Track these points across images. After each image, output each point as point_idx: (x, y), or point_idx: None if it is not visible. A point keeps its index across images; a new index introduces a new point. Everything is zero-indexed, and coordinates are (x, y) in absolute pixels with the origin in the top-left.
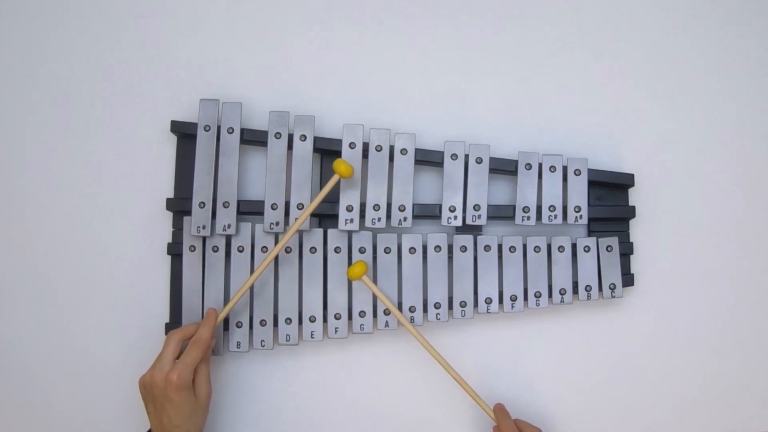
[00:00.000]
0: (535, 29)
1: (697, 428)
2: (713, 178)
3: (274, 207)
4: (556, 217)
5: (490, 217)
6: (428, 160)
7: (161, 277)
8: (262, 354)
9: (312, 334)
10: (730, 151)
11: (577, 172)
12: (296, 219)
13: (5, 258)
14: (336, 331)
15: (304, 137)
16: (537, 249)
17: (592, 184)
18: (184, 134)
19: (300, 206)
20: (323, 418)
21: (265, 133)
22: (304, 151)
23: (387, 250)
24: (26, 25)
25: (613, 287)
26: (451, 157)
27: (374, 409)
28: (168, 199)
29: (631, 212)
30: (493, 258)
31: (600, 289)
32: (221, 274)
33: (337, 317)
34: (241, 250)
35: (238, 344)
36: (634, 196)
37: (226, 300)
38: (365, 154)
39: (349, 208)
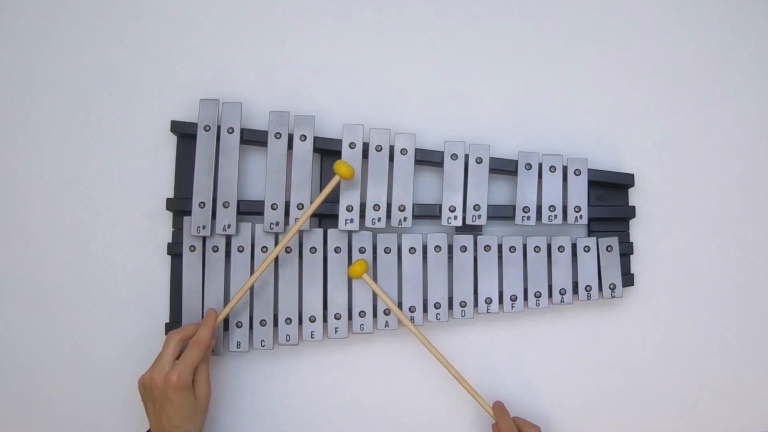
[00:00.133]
0: (535, 29)
1: (697, 428)
2: (713, 178)
3: (274, 207)
4: (556, 217)
5: (490, 217)
6: (428, 160)
7: (161, 277)
8: (262, 354)
9: (312, 334)
10: (730, 151)
11: (577, 172)
12: (296, 219)
13: (5, 258)
14: (336, 331)
15: (304, 137)
16: (537, 249)
17: (592, 184)
18: (184, 134)
19: (300, 206)
20: (323, 418)
21: (265, 133)
22: (304, 151)
23: (387, 250)
24: (26, 25)
25: (613, 287)
26: (451, 157)
27: (374, 409)
28: (168, 199)
29: (631, 212)
30: (493, 258)
31: (600, 289)
32: (221, 274)
33: (337, 317)
34: (241, 250)
35: (238, 344)
36: (634, 196)
37: (226, 300)
38: (365, 154)
39: (349, 208)
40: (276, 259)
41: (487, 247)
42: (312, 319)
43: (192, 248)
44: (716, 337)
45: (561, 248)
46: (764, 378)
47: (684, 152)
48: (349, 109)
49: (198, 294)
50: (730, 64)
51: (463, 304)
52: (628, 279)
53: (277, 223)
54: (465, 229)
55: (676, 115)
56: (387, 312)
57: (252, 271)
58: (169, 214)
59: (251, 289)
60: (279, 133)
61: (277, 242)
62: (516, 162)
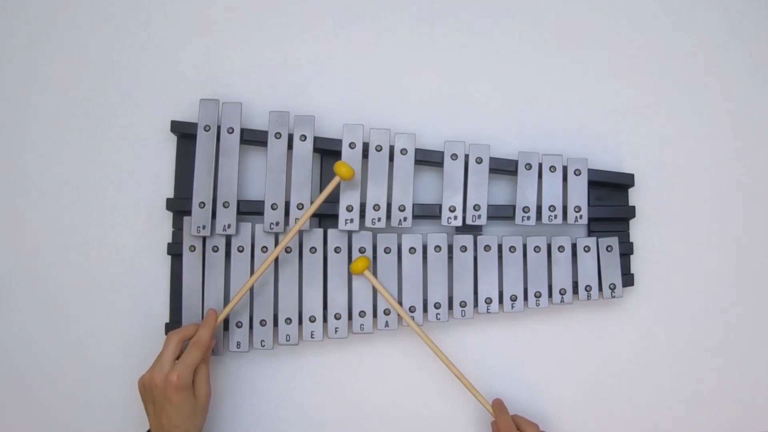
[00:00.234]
0: (535, 29)
1: (697, 428)
2: (713, 178)
3: (274, 207)
4: (556, 217)
5: (490, 217)
6: (428, 160)
7: (161, 277)
8: (262, 354)
9: (312, 334)
10: (730, 152)
11: (577, 172)
12: (296, 220)
13: (5, 258)
14: (336, 331)
15: (304, 137)
16: (537, 249)
17: (592, 184)
18: (184, 134)
19: (300, 206)
20: (323, 418)
21: (265, 133)
22: (304, 151)
23: (387, 250)
24: (26, 25)
25: (613, 287)
26: (451, 157)
27: (374, 409)
28: (168, 199)
29: (631, 212)
30: (493, 258)
31: (600, 289)
32: (221, 274)
33: (337, 317)
34: (241, 250)
35: (238, 344)
36: (634, 196)
37: (226, 300)
38: (365, 154)
39: (349, 208)
40: (276, 259)
41: (487, 247)
42: (312, 319)
43: (192, 248)
44: (716, 337)
45: (561, 248)
46: (764, 378)
47: (684, 152)
48: (349, 109)
49: (198, 294)
50: (730, 65)
51: (463, 304)
52: (628, 279)
53: (277, 223)
54: (465, 229)
55: (676, 115)
56: (387, 312)
57: (252, 272)
58: (169, 214)
59: (251, 289)
60: (279, 133)
61: (277, 242)
62: (516, 162)
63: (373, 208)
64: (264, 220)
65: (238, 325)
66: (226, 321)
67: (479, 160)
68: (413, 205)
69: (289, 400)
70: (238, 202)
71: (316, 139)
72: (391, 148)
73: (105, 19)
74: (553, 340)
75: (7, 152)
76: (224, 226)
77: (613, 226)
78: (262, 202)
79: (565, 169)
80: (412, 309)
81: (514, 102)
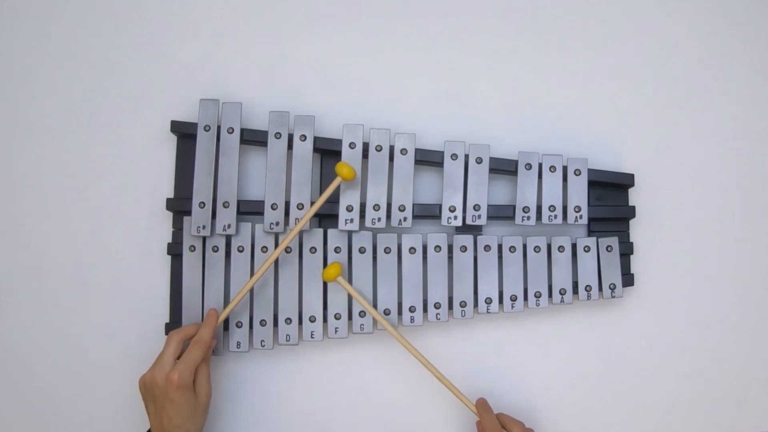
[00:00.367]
0: (535, 29)
1: (697, 428)
2: (713, 178)
3: (274, 207)
4: (556, 217)
5: (490, 217)
6: (428, 160)
7: (161, 277)
8: (262, 354)
9: (312, 334)
10: (730, 152)
11: (577, 172)
12: (297, 220)
13: (5, 258)
14: (336, 331)
15: (304, 137)
16: (537, 249)
17: (592, 184)
18: (184, 134)
19: (300, 206)
20: (323, 417)
21: (265, 133)
22: (304, 151)
23: (387, 250)
24: (26, 25)
25: (613, 287)
26: (451, 157)
27: (374, 409)
28: (168, 199)
29: (631, 212)
30: (493, 258)
31: (600, 289)
32: (221, 274)
33: (337, 317)
34: (241, 250)
35: (238, 344)
36: (634, 196)
37: (226, 300)
38: (365, 154)
39: (349, 208)
40: (276, 259)
41: (487, 247)
42: (312, 319)
43: (192, 248)
44: (716, 336)
45: (561, 248)
46: (764, 378)
47: (684, 152)
48: (349, 109)
49: (198, 294)
50: (730, 65)
51: (463, 304)
52: (628, 279)
53: (277, 223)
54: (465, 229)
55: (676, 116)
56: (387, 312)
57: (252, 272)
58: (169, 214)
59: (251, 289)
60: (279, 133)
61: (277, 242)
62: (516, 162)
63: (373, 208)
64: (264, 220)
65: (238, 325)
66: (226, 321)
67: (479, 160)
68: (413, 205)
69: (289, 400)
70: (238, 202)
71: (316, 139)
72: (391, 148)
73: (105, 19)
74: (552, 340)
75: (8, 152)
76: (224, 226)
77: (613, 226)
78: (262, 202)
79: (565, 169)
80: (412, 309)
81: (514, 102)
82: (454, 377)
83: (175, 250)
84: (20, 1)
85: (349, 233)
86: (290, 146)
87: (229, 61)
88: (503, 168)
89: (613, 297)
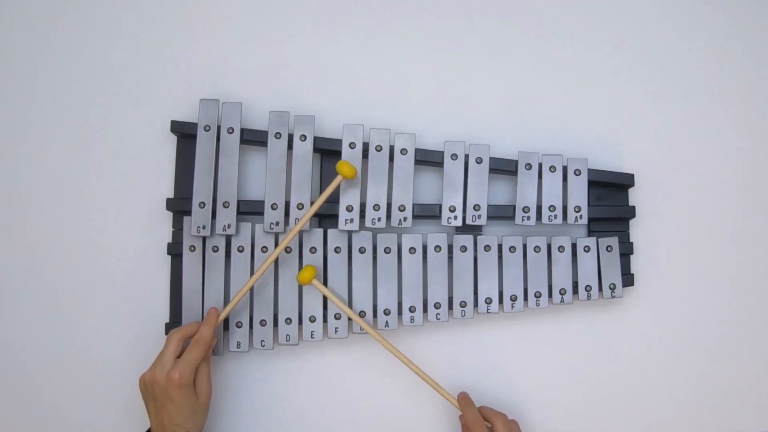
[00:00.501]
0: (535, 29)
1: (697, 428)
2: (713, 178)
3: (274, 207)
4: (556, 217)
5: (490, 217)
6: (428, 160)
7: (161, 277)
8: (262, 354)
9: (312, 334)
10: (730, 152)
11: (577, 172)
12: (297, 220)
13: (5, 258)
14: (336, 331)
15: (304, 137)
16: (537, 249)
17: (592, 184)
18: (184, 134)
19: (300, 206)
20: (323, 418)
21: (265, 133)
22: (304, 151)
23: (387, 250)
24: (26, 25)
25: (613, 287)
26: (451, 157)
27: (374, 409)
28: (168, 199)
29: (631, 212)
30: (493, 258)
31: (600, 289)
32: (221, 274)
33: (337, 317)
34: (241, 250)
35: (238, 344)
36: (634, 196)
37: (226, 300)
38: (365, 154)
39: (349, 208)
40: (276, 259)
41: (487, 247)
42: (312, 319)
43: (192, 248)
44: (716, 337)
45: (561, 248)
46: (764, 378)
47: (684, 152)
48: (349, 109)
49: (198, 294)
50: (730, 64)
51: (463, 304)
52: (628, 279)
53: (277, 223)
54: (465, 229)
55: (676, 115)
56: (387, 312)
57: (252, 272)
58: (169, 214)
59: (251, 289)
60: (279, 133)
61: (277, 242)
62: (516, 162)
63: (373, 208)
64: (264, 220)
65: (238, 325)
66: (226, 321)
67: (479, 160)
68: (413, 205)
69: (289, 400)
70: (238, 202)
71: (316, 139)
72: (391, 148)
73: (105, 19)
74: (553, 340)
75: (7, 152)
76: (224, 226)
77: (613, 226)
78: (262, 202)
79: (565, 169)
80: (412, 309)
81: (514, 102)
82: (453, 377)
83: (175, 250)
84: (20, 1)
85: (349, 233)
86: (290, 146)
87: (229, 61)
88: (503, 168)
89: (613, 297)
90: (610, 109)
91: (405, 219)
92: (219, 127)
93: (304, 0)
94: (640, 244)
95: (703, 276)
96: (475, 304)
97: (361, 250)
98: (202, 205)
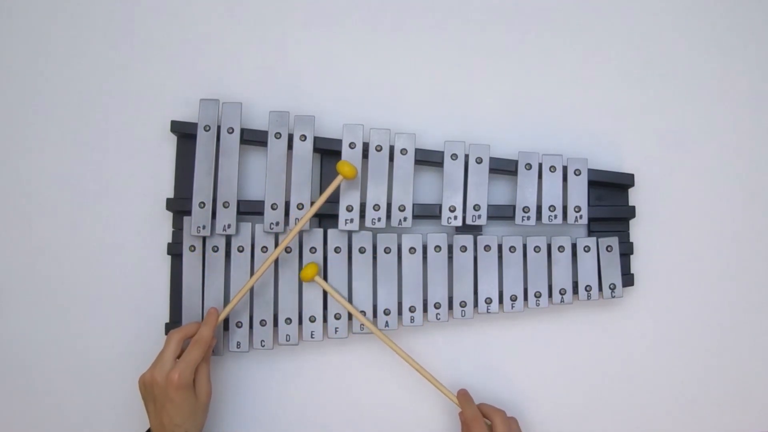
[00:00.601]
0: (535, 29)
1: (697, 428)
2: (713, 178)
3: (274, 207)
4: (556, 217)
5: (490, 217)
6: (428, 160)
7: (161, 277)
8: (262, 354)
9: (312, 334)
10: (731, 151)
11: (577, 172)
12: (297, 220)
13: (5, 258)
14: (336, 331)
15: (304, 137)
16: (537, 249)
17: (592, 184)
18: (184, 134)
19: (300, 206)
20: (323, 418)
21: (265, 133)
22: (304, 151)
23: (387, 250)
24: (26, 25)
25: (613, 287)
26: (451, 157)
27: (374, 409)
28: (168, 199)
29: (631, 212)
30: (493, 258)
31: (600, 289)
32: (221, 274)
33: (337, 317)
34: (241, 250)
35: (238, 344)
36: (634, 196)
37: (226, 300)
38: (365, 154)
39: (349, 208)
40: (276, 259)
41: (487, 247)
42: (312, 319)
43: (192, 248)
44: (716, 336)
45: (561, 248)
46: (764, 378)
47: (684, 152)
48: (349, 109)
49: (198, 294)
50: (730, 64)
51: (463, 304)
52: (628, 279)
53: (277, 223)
54: (465, 229)
55: (676, 115)
56: (387, 312)
57: (252, 272)
58: (169, 214)
59: (251, 289)
60: (279, 133)
61: (277, 242)
62: (516, 162)
63: (373, 208)
64: (264, 220)
65: (238, 325)
66: (226, 321)
67: (479, 160)
68: (413, 205)
69: (289, 399)
70: (238, 202)
71: (316, 139)
72: (391, 148)
73: (105, 19)
74: (553, 340)
75: (7, 152)
76: (224, 226)
77: (613, 226)
78: (262, 202)
79: (565, 169)
80: (412, 309)
81: (514, 102)
82: (453, 377)
83: (175, 250)
84: (20, 1)
85: (349, 233)
86: (290, 146)
87: (229, 61)
88: (503, 168)
89: (613, 297)
90: (610, 109)
91: (405, 219)
92: (219, 127)
93: (304, 0)
94: (640, 244)
95: (703, 276)
96: (475, 304)
97: (361, 250)
98: (202, 205)
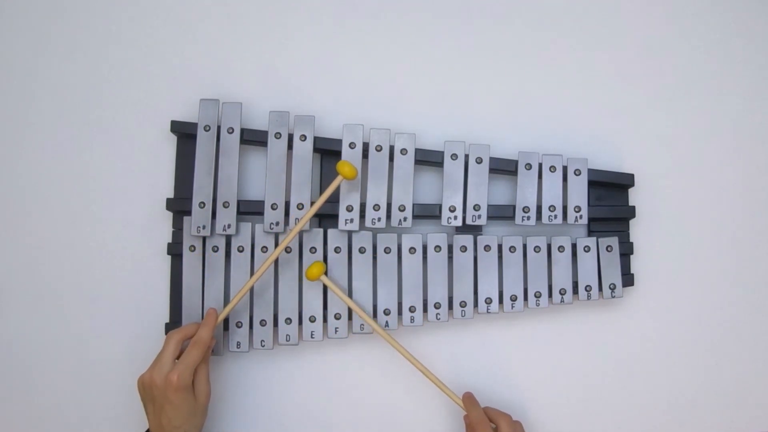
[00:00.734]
0: (535, 29)
1: (697, 428)
2: (713, 178)
3: (274, 207)
4: (556, 217)
5: (490, 217)
6: (428, 160)
7: (161, 277)
8: (262, 354)
9: (312, 334)
10: (730, 151)
11: (577, 172)
12: (297, 220)
13: (5, 258)
14: (336, 331)
15: (304, 137)
16: (537, 249)
17: (592, 184)
18: (184, 134)
19: (300, 206)
20: (323, 417)
21: (265, 133)
22: (304, 151)
23: (387, 250)
24: (26, 25)
25: (613, 287)
26: (451, 157)
27: (374, 409)
28: (168, 199)
29: (631, 212)
30: (493, 258)
31: (600, 289)
32: (221, 274)
33: (337, 317)
34: (241, 250)
35: (238, 344)
36: (634, 196)
37: (226, 300)
38: (365, 154)
39: (349, 208)
40: (276, 259)
41: (487, 247)
42: (312, 319)
43: (192, 248)
44: (716, 337)
45: (561, 248)
46: (764, 378)
47: (684, 152)
48: (349, 109)
49: (198, 294)
50: (730, 64)
51: (463, 304)
52: (628, 279)
53: (277, 223)
54: (465, 229)
55: (676, 115)
56: (387, 312)
57: (252, 272)
58: (169, 214)
59: (251, 289)
60: (279, 133)
61: (277, 242)
62: (516, 162)
63: (373, 208)
64: (264, 220)
65: (238, 325)
66: (226, 321)
67: (479, 160)
68: (413, 205)
69: (289, 400)
70: (238, 202)
71: (316, 139)
72: (391, 148)
73: (105, 19)
74: (552, 340)
75: (7, 152)
76: (224, 226)
77: (613, 226)
78: (262, 202)
79: (565, 169)
80: (412, 309)
81: (514, 102)
82: (453, 377)
83: (175, 250)
84: (20, 1)
85: (349, 233)
86: (290, 146)
87: (229, 61)
88: (503, 168)
89: (613, 297)
90: (610, 109)
91: (405, 219)
92: (219, 127)
93: (303, 0)
94: (640, 244)
95: (703, 276)
96: (475, 304)
97: (361, 250)
98: (202, 205)
